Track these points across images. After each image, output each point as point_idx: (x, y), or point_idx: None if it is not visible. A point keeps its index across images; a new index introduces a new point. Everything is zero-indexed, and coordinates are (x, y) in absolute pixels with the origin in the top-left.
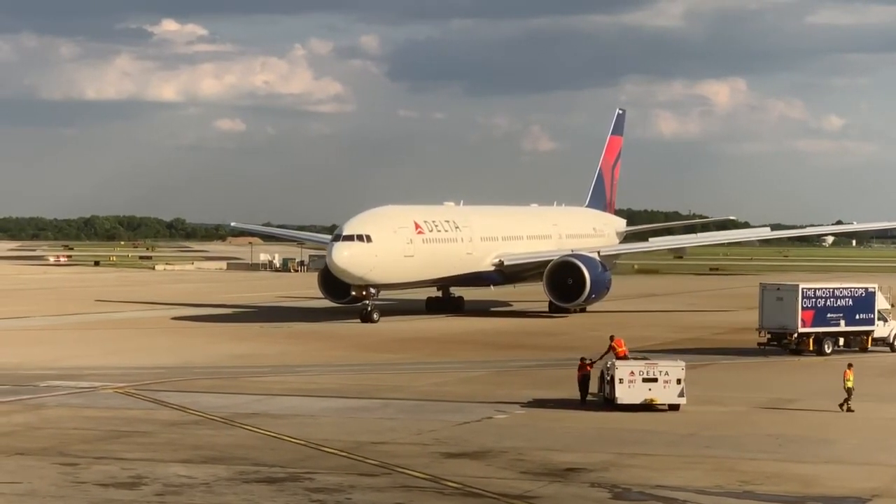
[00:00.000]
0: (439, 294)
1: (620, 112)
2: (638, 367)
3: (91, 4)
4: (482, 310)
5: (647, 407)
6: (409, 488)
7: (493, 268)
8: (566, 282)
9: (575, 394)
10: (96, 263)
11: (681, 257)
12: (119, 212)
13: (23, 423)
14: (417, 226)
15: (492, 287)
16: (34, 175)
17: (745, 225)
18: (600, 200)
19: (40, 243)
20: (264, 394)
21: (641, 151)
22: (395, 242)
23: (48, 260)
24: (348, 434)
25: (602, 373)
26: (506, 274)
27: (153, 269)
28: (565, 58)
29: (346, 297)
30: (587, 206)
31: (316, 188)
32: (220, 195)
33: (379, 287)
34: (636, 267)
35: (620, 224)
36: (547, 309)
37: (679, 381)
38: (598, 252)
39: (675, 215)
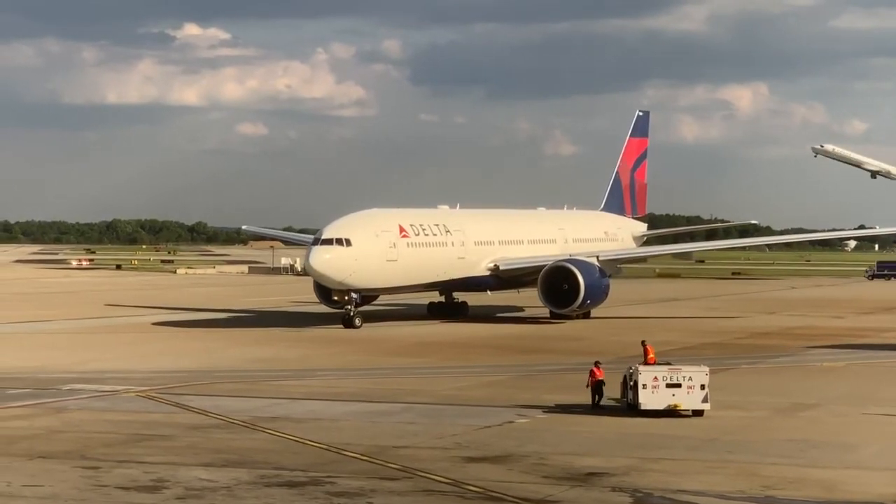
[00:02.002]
0: (442, 299)
1: (640, 114)
2: (662, 372)
3: (113, 9)
4: (487, 315)
5: (671, 412)
6: (431, 492)
7: (488, 272)
8: (562, 287)
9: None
10: (118, 267)
11: (702, 261)
12: (141, 215)
13: (45, 427)
14: (402, 229)
15: (489, 292)
16: (57, 179)
17: (767, 229)
18: (618, 204)
19: (62, 247)
20: (285, 397)
21: (664, 156)
22: (377, 246)
23: (70, 263)
24: (370, 438)
25: (625, 378)
26: (503, 279)
27: (175, 272)
28: (587, 62)
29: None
30: (602, 210)
31: (338, 192)
32: (242, 199)
33: (361, 292)
34: (658, 271)
35: (639, 228)
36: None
37: (703, 387)
38: (597, 257)
39: (697, 219)
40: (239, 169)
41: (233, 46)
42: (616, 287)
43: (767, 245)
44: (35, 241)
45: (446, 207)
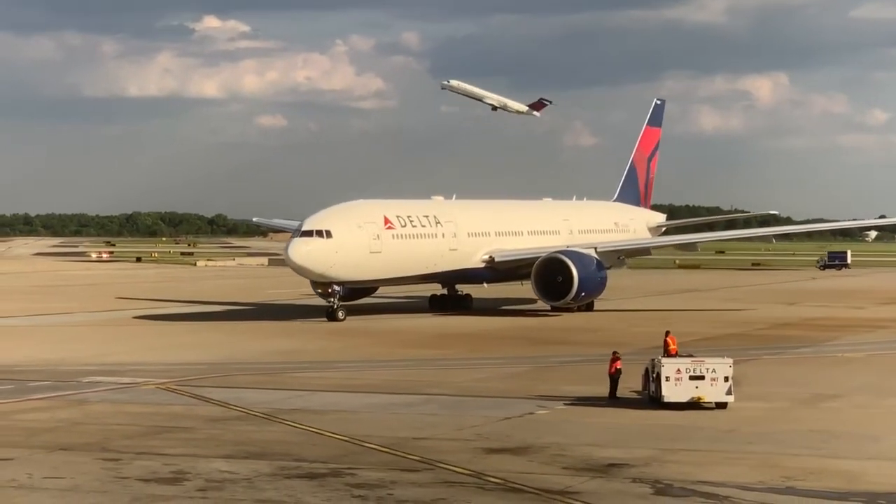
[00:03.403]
0: (444, 291)
1: (658, 102)
2: (685, 364)
3: (133, 2)
4: (492, 308)
5: (694, 405)
6: (451, 484)
7: (483, 264)
8: (556, 279)
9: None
10: (138, 259)
11: (722, 252)
12: (161, 208)
13: (66, 419)
14: (387, 221)
15: (485, 284)
16: (77, 172)
17: (787, 220)
18: (632, 194)
19: (82, 239)
20: (305, 389)
21: (684, 147)
22: (359, 238)
23: (90, 256)
24: (390, 430)
25: (647, 370)
26: (499, 271)
27: (194, 265)
28: (606, 53)
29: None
30: (615, 201)
31: (357, 184)
32: (262, 191)
33: (344, 284)
34: (678, 262)
35: (654, 219)
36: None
37: (727, 379)
38: (595, 248)
39: (717, 210)
40: (258, 161)
41: (252, 39)
42: (635, 278)
43: (774, 236)
44: (55, 233)
45: (441, 198)
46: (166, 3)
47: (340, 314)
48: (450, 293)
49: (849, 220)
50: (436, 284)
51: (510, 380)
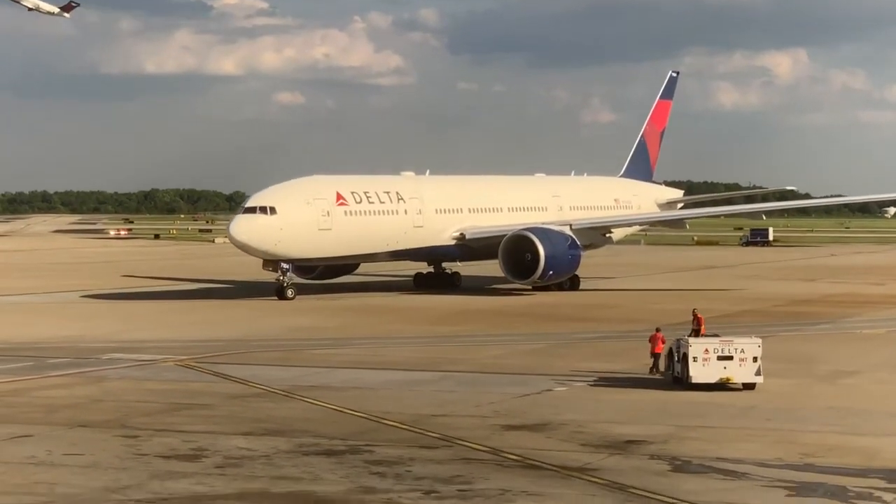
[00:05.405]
0: (431, 269)
1: (674, 75)
2: (713, 344)
3: None
4: (479, 287)
5: (722, 386)
6: (470, 460)
7: (453, 242)
8: (526, 257)
9: (635, 366)
10: (156, 237)
11: (740, 229)
12: (179, 185)
13: (85, 396)
14: (339, 197)
15: (458, 262)
16: (95, 149)
17: (806, 196)
18: (642, 169)
19: (101, 216)
20: (324, 366)
21: (703, 123)
22: (307, 215)
23: (108, 233)
24: (408, 406)
25: (671, 350)
26: (472, 248)
27: (213, 241)
28: (625, 30)
29: (312, 273)
30: (622, 176)
31: (375, 161)
32: (280, 168)
33: (293, 262)
34: (696, 239)
35: (665, 194)
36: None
37: (755, 359)
38: (570, 225)
39: (736, 187)
40: (277, 138)
41: (270, 15)
42: (652, 254)
43: (776, 210)
44: (74, 211)
45: (411, 174)
46: None
47: (290, 292)
48: (436, 271)
49: (866, 196)
50: (423, 263)
51: (528, 356)
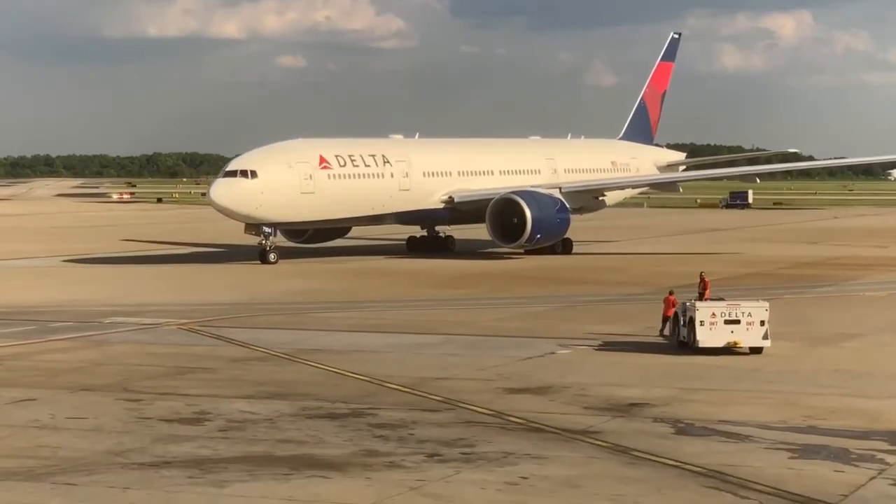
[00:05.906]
0: (424, 233)
1: (675, 36)
2: (720, 308)
3: None
4: (472, 251)
5: (729, 350)
6: (472, 423)
7: (441, 205)
8: (513, 221)
9: (638, 329)
10: (159, 200)
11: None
12: (181, 149)
13: (88, 360)
14: (323, 160)
15: (448, 226)
16: (98, 113)
17: (810, 158)
18: (642, 132)
19: (103, 180)
20: (327, 329)
21: (706, 86)
22: (288, 178)
23: (111, 197)
24: (411, 370)
25: (676, 314)
26: (462, 211)
27: None
28: None
29: (302, 237)
30: (621, 139)
31: (377, 125)
32: (282, 132)
33: (275, 226)
34: (699, 202)
35: (665, 157)
36: (548, 249)
37: (763, 323)
38: (560, 188)
39: (739, 149)
40: (279, 101)
41: None
42: (655, 217)
43: (758, 175)
44: (76, 174)
45: (400, 137)
46: None
47: (272, 256)
48: (429, 234)
49: (870, 157)
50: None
51: (531, 319)
